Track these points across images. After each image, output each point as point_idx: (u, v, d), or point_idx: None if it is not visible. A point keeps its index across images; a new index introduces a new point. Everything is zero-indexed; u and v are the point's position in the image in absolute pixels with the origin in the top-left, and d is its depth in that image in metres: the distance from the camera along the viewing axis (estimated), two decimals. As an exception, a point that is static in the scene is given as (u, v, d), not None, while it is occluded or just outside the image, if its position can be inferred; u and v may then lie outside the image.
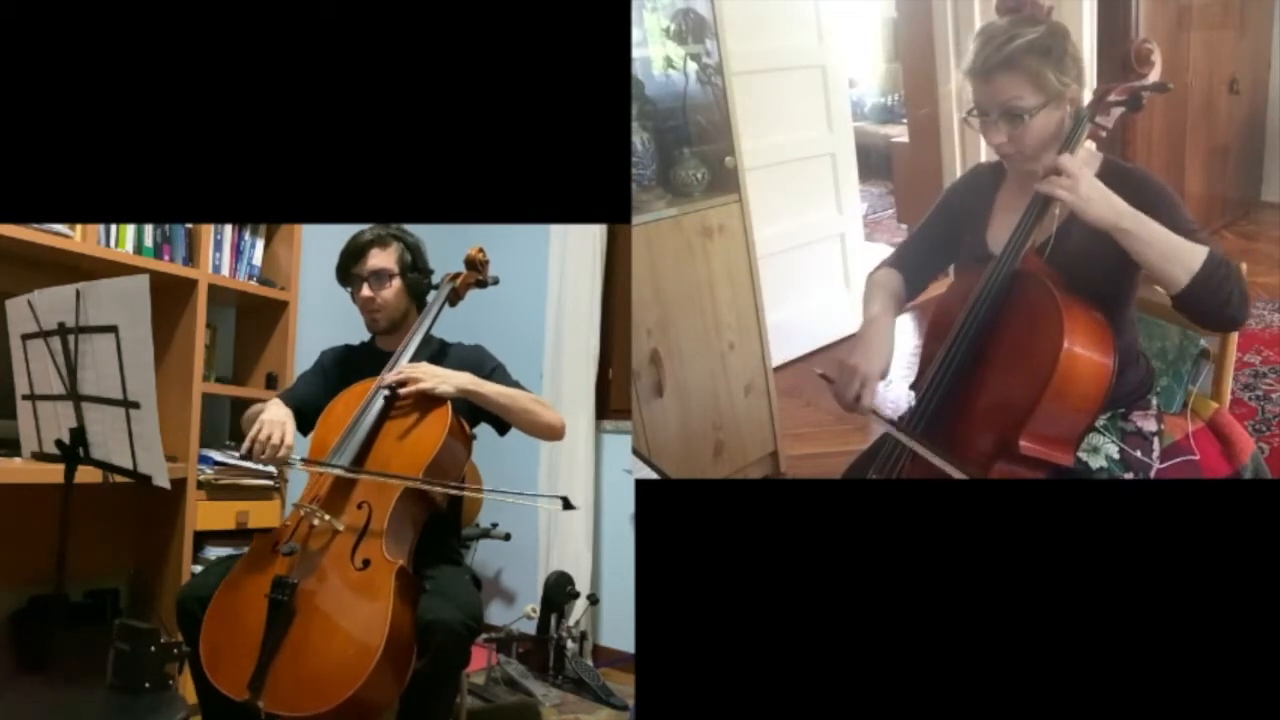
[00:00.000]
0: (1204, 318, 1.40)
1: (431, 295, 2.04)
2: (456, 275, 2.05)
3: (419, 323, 1.96)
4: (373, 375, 1.88)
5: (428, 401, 1.80)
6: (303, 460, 1.80)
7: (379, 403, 1.80)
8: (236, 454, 2.54)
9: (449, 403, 1.80)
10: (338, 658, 1.52)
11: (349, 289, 2.01)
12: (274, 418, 1.75)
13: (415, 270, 2.01)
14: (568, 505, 1.63)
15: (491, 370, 1.96)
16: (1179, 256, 1.33)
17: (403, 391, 1.80)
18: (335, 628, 1.57)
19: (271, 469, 2.58)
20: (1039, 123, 1.44)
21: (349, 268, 1.98)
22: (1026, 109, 1.43)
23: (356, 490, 1.72)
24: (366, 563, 1.62)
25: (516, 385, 1.95)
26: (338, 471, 1.72)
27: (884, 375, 1.55)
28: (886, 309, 1.65)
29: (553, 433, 1.93)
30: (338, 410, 1.87)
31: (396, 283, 1.97)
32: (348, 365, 2.05)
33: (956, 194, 1.71)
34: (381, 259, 1.96)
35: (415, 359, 1.88)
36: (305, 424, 1.99)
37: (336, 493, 1.73)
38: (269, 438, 1.70)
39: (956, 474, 1.37)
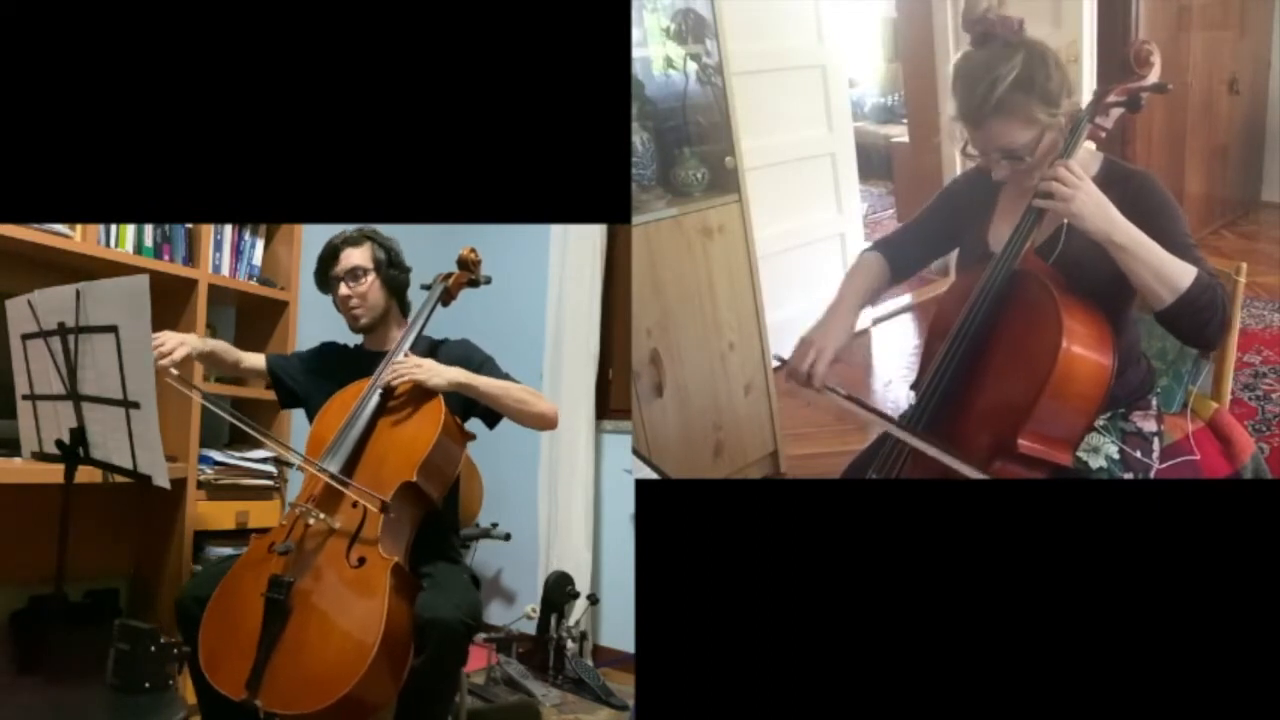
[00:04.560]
0: (1180, 335, 1.43)
1: (424, 295, 2.05)
2: (449, 275, 2.05)
3: (412, 322, 1.97)
4: (364, 376, 1.89)
5: (421, 400, 1.81)
6: (274, 439, 1.80)
7: (373, 401, 1.81)
8: (236, 454, 2.54)
9: (442, 401, 1.80)
10: (334, 655, 1.53)
11: (329, 293, 2.03)
12: (182, 336, 1.81)
13: (392, 266, 2.02)
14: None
15: (480, 363, 1.97)
16: (1168, 277, 1.33)
17: (396, 383, 1.81)
18: (331, 625, 1.57)
19: (271, 469, 2.59)
20: (1043, 145, 1.44)
21: (326, 270, 2.01)
22: (1024, 147, 1.43)
23: (351, 488, 1.72)
24: (362, 560, 1.62)
25: (506, 377, 1.96)
26: (324, 475, 1.72)
27: (839, 354, 1.58)
28: (855, 291, 1.69)
29: (545, 422, 1.93)
30: (333, 409, 1.88)
31: (372, 278, 1.99)
32: (343, 364, 2.06)
33: (959, 189, 1.71)
34: (355, 257, 1.99)
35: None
36: (282, 395, 2.08)
37: (331, 491, 1.74)
38: (162, 343, 1.74)
39: (958, 465, 1.37)
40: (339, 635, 1.55)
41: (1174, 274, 1.33)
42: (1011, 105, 1.40)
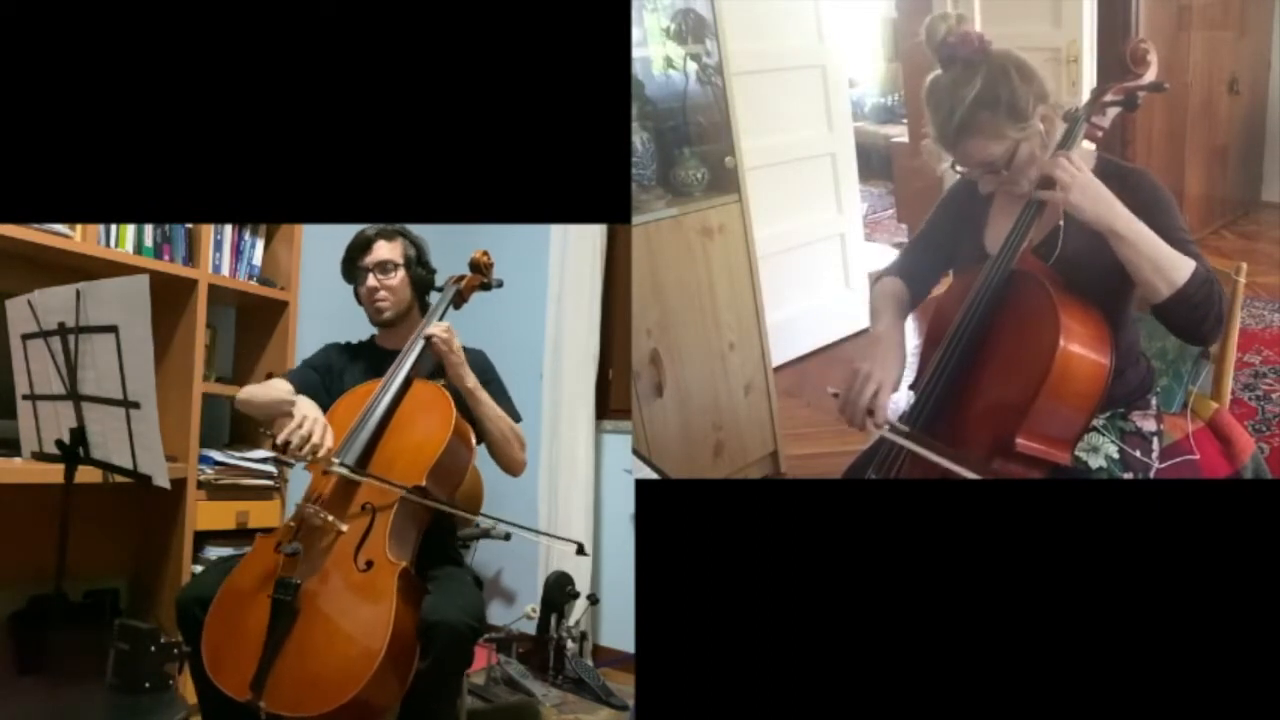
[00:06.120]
0: (1176, 330, 1.42)
1: (435, 297, 2.05)
2: (461, 278, 2.06)
3: (424, 323, 1.96)
4: (375, 374, 1.89)
5: (433, 402, 1.81)
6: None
7: (386, 400, 1.81)
8: (236, 454, 2.54)
9: (453, 404, 1.81)
10: (340, 659, 1.52)
11: (354, 284, 2.03)
12: (316, 416, 1.73)
13: (420, 265, 2.04)
14: (581, 551, 1.69)
15: (487, 381, 1.98)
16: (1166, 269, 1.33)
17: (436, 342, 1.84)
18: (338, 629, 1.57)
19: (271, 469, 2.59)
20: (1020, 156, 1.45)
21: (355, 260, 2.00)
22: (998, 159, 1.44)
23: (360, 491, 1.72)
24: (369, 564, 1.62)
25: (508, 402, 2.00)
26: (343, 472, 1.72)
27: (897, 385, 1.54)
28: (895, 319, 1.65)
29: (514, 467, 1.97)
30: (343, 409, 1.87)
31: (402, 274, 2.00)
32: (353, 361, 2.06)
33: (955, 195, 1.71)
34: (388, 251, 2.00)
35: (420, 360, 1.88)
36: None
37: (340, 493, 1.73)
38: (310, 435, 1.68)
39: (962, 472, 1.37)
40: (345, 639, 1.55)
41: (1172, 267, 1.33)
42: (977, 124, 1.41)
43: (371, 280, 1.98)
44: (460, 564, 1.94)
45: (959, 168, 1.51)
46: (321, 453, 1.68)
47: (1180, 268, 1.33)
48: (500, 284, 2.11)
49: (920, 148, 1.53)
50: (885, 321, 1.64)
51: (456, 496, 2.02)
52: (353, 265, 2.01)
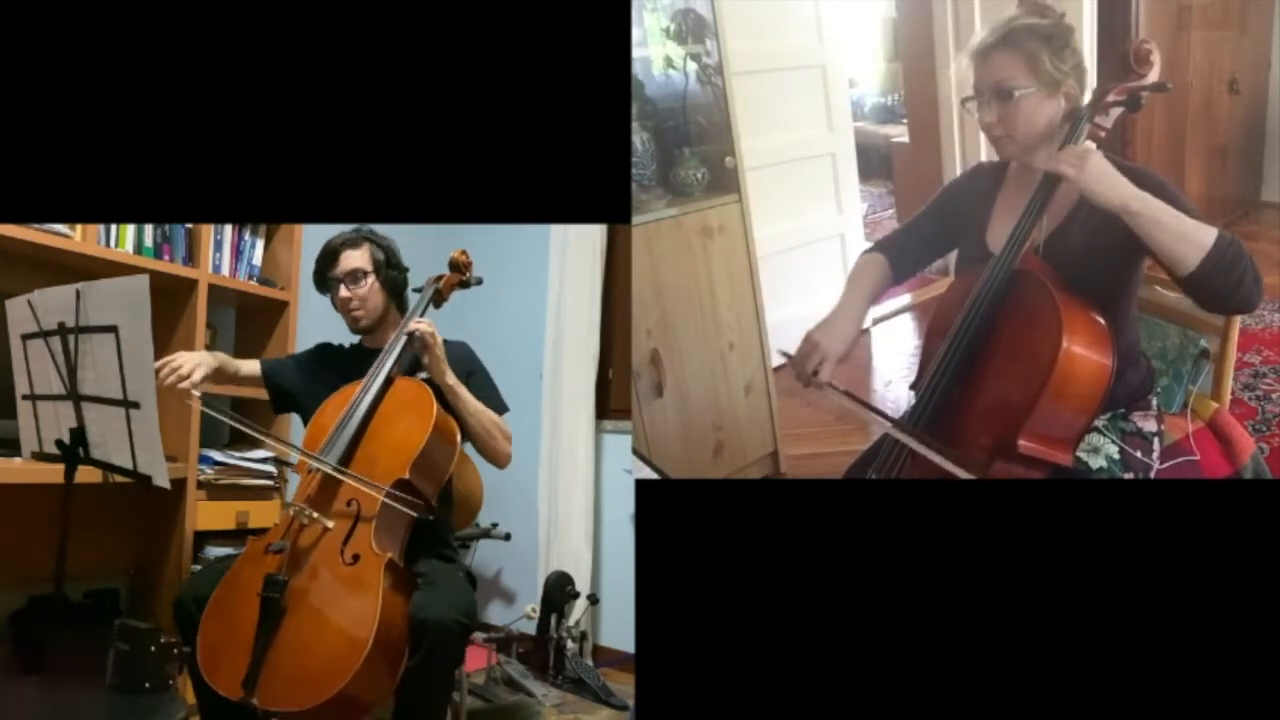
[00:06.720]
0: (1217, 298, 1.35)
1: (415, 297, 2.06)
2: (440, 277, 2.07)
3: (403, 325, 1.97)
4: (361, 373, 1.90)
5: (415, 398, 1.83)
6: (272, 436, 1.81)
7: (369, 398, 1.82)
8: (236, 454, 2.54)
9: (434, 399, 1.82)
10: (328, 652, 1.53)
11: (327, 294, 2.05)
12: (197, 357, 1.82)
13: (390, 267, 2.04)
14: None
15: (470, 373, 2.00)
16: (1190, 235, 1.30)
17: (417, 337, 1.85)
18: (326, 622, 1.58)
19: (271, 469, 2.59)
20: (1029, 105, 1.45)
21: (325, 271, 2.02)
22: (1018, 87, 1.44)
23: (345, 488, 1.73)
24: (356, 557, 1.63)
25: (495, 392, 2.02)
26: (325, 468, 1.73)
27: (845, 355, 1.58)
28: (861, 292, 1.69)
29: (500, 462, 1.98)
30: (329, 409, 1.89)
31: (372, 280, 2.00)
32: (340, 363, 2.08)
33: (957, 191, 1.71)
34: (355, 259, 2.00)
35: (401, 358, 1.89)
36: (276, 399, 2.07)
37: (325, 491, 1.75)
38: (180, 365, 1.75)
39: (954, 468, 1.37)
40: (333, 632, 1.56)
41: (1196, 232, 1.30)
42: (1022, 43, 1.45)
43: (343, 291, 1.99)
44: (452, 560, 1.94)
45: (970, 100, 1.51)
46: (185, 384, 1.75)
47: (1204, 232, 1.30)
48: (480, 281, 2.12)
49: (954, 64, 1.55)
50: (850, 296, 1.68)
51: (453, 490, 2.04)
52: (323, 276, 2.03)
